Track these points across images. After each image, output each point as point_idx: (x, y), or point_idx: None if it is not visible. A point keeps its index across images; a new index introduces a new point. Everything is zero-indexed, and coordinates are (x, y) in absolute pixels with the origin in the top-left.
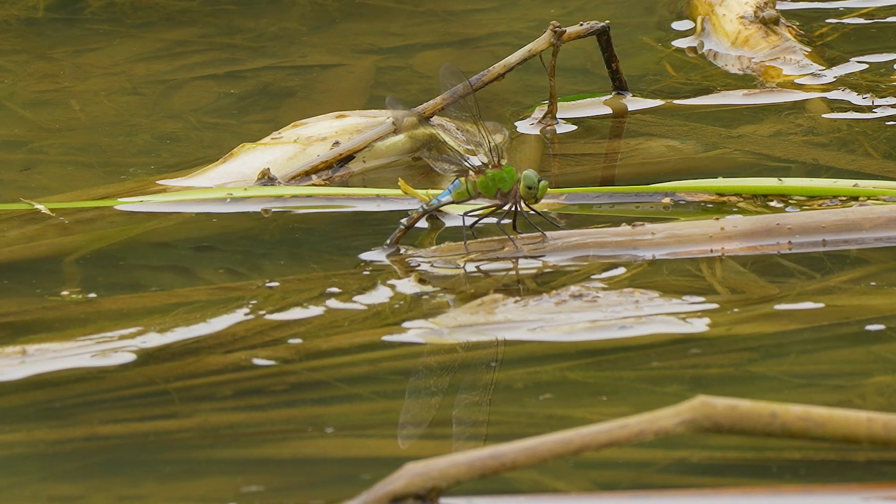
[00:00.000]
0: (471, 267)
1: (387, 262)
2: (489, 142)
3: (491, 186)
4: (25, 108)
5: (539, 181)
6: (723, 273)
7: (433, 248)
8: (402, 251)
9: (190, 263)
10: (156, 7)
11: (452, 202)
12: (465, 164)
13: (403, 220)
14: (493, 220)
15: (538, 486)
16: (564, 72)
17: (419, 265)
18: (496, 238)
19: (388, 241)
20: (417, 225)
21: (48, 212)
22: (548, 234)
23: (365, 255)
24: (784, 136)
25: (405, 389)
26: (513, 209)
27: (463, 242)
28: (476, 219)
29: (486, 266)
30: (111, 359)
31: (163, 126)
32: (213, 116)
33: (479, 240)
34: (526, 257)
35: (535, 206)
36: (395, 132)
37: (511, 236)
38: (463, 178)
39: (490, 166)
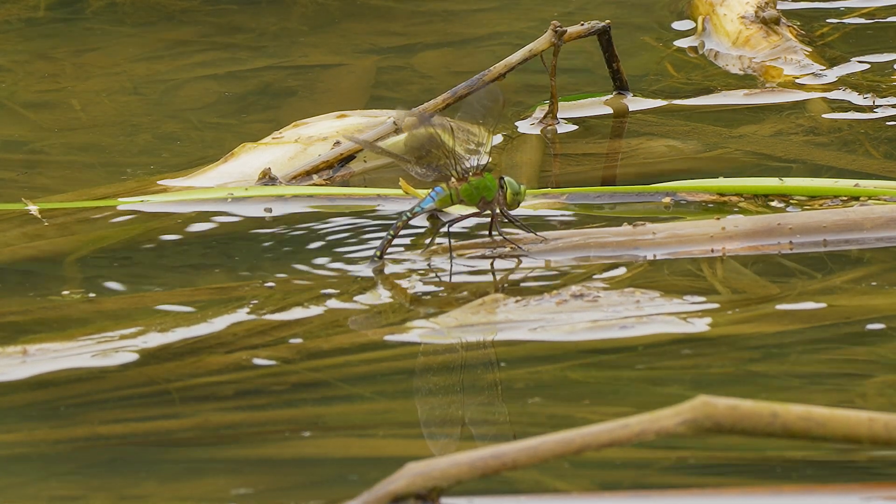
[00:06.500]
0: (471, 267)
1: (381, 271)
2: (487, 148)
3: (475, 194)
4: (26, 107)
5: (520, 186)
6: (724, 273)
7: (434, 247)
8: (389, 260)
9: (191, 263)
10: (156, 7)
11: (436, 209)
12: (447, 171)
13: (389, 231)
14: (484, 224)
15: (539, 485)
16: (565, 72)
17: (420, 265)
18: (496, 238)
19: (376, 254)
20: (417, 224)
21: (37, 214)
22: (549, 234)
23: (355, 270)
24: (785, 135)
25: (406, 389)
26: (500, 215)
27: (464, 243)
28: (456, 221)
29: (486, 266)
30: (112, 359)
31: (164, 126)
32: (214, 116)
33: (480, 240)
34: (527, 257)
35: (513, 213)
36: (398, 132)
37: (510, 237)
38: (445, 185)
39: (472, 174)
